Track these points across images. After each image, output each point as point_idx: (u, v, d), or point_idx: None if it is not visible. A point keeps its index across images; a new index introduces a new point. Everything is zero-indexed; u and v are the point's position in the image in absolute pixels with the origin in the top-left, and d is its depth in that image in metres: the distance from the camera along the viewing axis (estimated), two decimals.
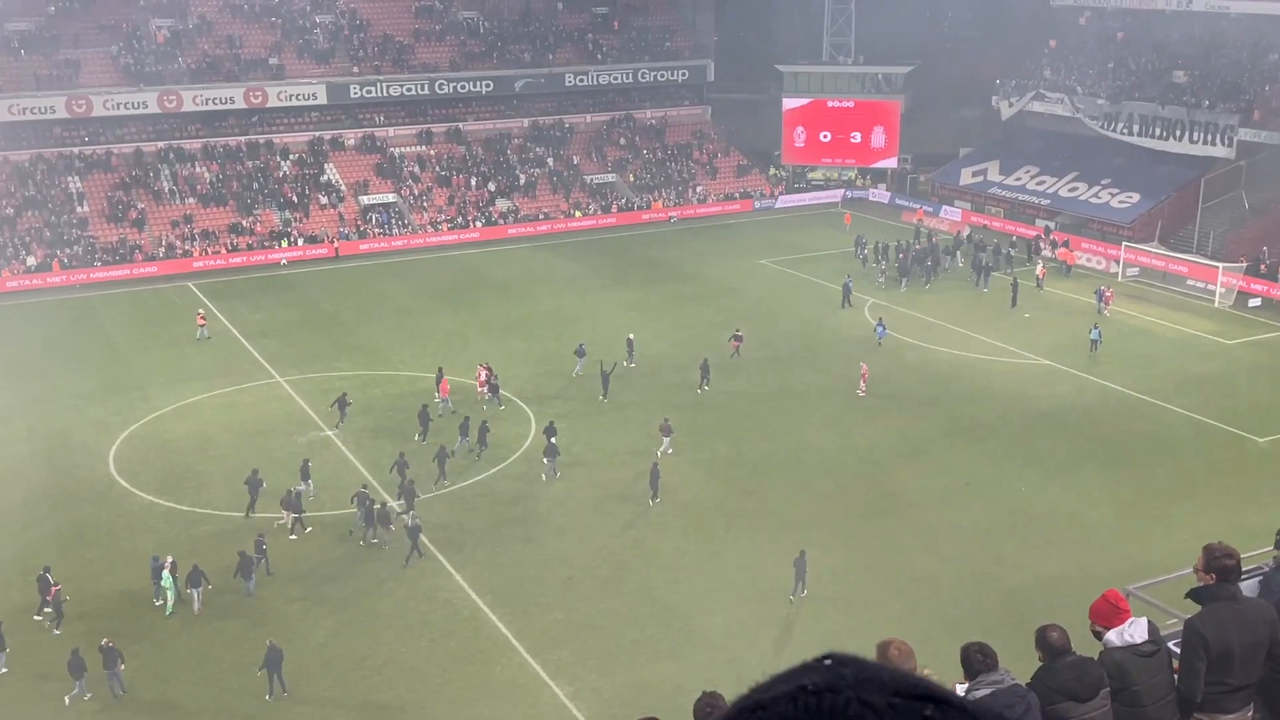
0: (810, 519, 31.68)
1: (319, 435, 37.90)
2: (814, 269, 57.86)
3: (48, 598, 27.16)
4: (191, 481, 34.55)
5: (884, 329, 46.13)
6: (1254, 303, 51.36)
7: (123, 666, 24.69)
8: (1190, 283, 53.71)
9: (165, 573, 27.56)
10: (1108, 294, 50.00)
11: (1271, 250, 53.68)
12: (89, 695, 24.40)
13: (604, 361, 40.61)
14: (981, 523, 31.39)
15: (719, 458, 35.77)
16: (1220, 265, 52.59)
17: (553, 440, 34.70)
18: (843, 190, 75.05)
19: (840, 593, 28.05)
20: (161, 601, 27.66)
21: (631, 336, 44.19)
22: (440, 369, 40.37)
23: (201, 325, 48.09)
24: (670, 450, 35.32)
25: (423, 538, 30.06)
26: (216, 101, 66.51)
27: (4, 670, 25.44)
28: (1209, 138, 59.25)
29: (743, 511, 32.36)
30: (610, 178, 73.10)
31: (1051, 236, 60.25)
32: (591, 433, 37.52)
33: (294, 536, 31.03)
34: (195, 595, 27.62)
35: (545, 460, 34.41)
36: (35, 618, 27.27)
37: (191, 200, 63.68)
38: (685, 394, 40.62)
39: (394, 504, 32.01)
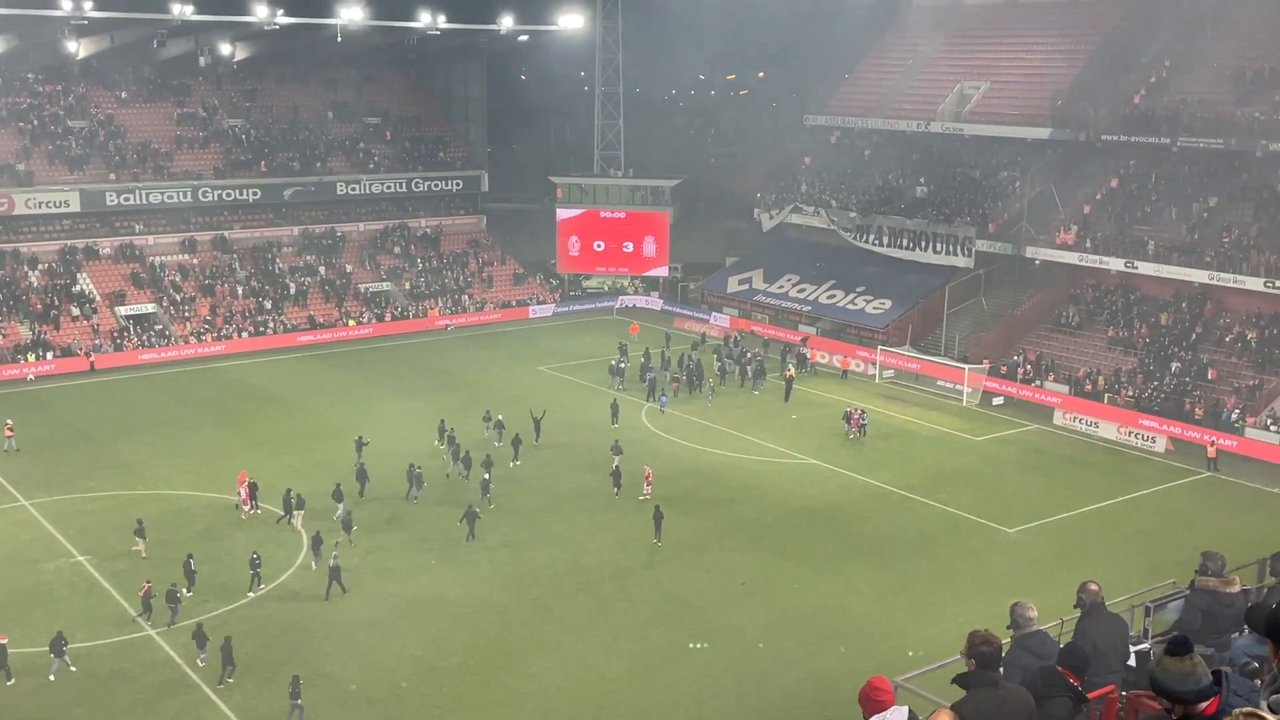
0: (595, 625, 31.58)
1: (68, 562, 35.32)
2: (591, 375, 58.64)
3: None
4: None
5: (665, 399, 52.57)
6: (998, 401, 55.20)
7: None
8: (940, 383, 57.32)
9: None
10: (855, 416, 49.54)
11: (1011, 352, 58.08)
12: None
13: (533, 410, 47.09)
14: (758, 622, 32.02)
15: (501, 566, 35.30)
16: (966, 367, 56.41)
17: (487, 476, 40.20)
18: (619, 298, 76.84)
19: (625, 699, 27.95)
20: None
21: (539, 415, 46.96)
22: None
23: (10, 436, 45.64)
24: (618, 464, 42.37)
25: (196, 665, 28.27)
26: None
27: None
28: (950, 248, 63.84)
29: (527, 621, 31.92)
30: (385, 286, 72.33)
31: (806, 347, 62.54)
32: (376, 552, 36.39)
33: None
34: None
35: (482, 492, 39.73)
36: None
37: None
38: (467, 499, 40.02)
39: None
